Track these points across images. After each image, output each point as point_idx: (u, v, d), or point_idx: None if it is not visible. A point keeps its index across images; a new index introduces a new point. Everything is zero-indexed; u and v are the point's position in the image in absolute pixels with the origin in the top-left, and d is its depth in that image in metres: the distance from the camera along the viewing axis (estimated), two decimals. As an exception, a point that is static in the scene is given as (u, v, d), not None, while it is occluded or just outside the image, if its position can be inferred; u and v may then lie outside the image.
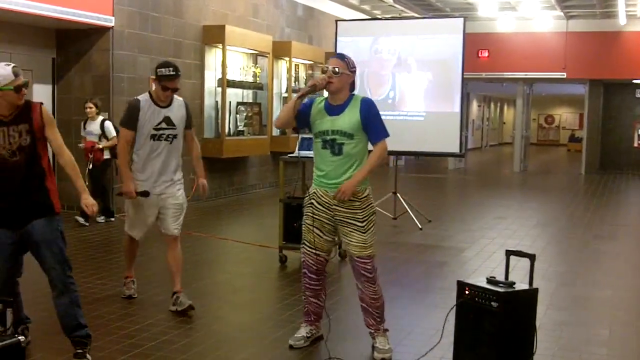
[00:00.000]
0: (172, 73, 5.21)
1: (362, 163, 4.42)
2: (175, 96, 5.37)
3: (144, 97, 5.28)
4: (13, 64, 4.17)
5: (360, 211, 4.38)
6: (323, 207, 4.44)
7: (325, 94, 4.53)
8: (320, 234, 4.50)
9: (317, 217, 4.46)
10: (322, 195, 4.45)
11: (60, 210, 4.22)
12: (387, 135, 4.44)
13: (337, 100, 4.43)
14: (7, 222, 4.05)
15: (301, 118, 4.48)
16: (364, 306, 4.53)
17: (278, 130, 13.76)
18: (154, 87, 5.34)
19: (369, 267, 4.40)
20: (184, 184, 5.54)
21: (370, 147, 4.52)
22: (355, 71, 4.49)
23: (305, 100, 4.49)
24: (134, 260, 5.78)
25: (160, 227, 5.45)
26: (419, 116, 10.21)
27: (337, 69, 4.36)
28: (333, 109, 4.42)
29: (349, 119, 4.37)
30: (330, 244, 4.58)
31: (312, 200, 4.50)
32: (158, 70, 5.21)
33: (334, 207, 4.41)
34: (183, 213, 5.51)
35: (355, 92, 4.57)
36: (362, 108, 4.38)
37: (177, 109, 5.32)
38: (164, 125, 5.24)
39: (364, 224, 4.39)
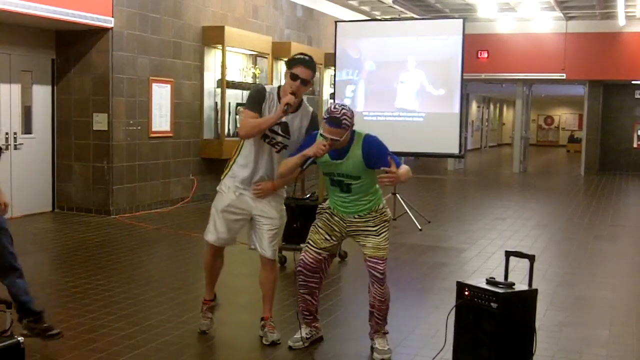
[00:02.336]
0: (305, 58, 4.47)
1: (370, 193, 4.40)
2: (305, 103, 4.66)
3: (270, 87, 4.64)
4: None
5: (372, 219, 4.44)
6: (338, 217, 4.51)
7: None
8: (328, 238, 4.52)
9: (330, 223, 4.52)
10: (336, 214, 4.51)
11: None
12: (401, 162, 4.31)
13: (340, 145, 4.27)
14: None
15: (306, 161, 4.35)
16: (369, 307, 4.54)
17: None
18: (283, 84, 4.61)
19: (380, 267, 4.41)
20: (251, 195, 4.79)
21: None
22: (353, 122, 4.21)
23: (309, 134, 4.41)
24: (215, 280, 5.03)
25: (254, 243, 4.83)
26: (418, 117, 10.21)
27: (338, 139, 4.16)
28: (336, 153, 4.31)
29: (353, 162, 4.30)
30: (335, 247, 4.58)
31: (327, 212, 4.55)
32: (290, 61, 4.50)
33: (347, 221, 4.47)
34: (278, 232, 4.76)
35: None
36: (364, 149, 4.28)
37: (300, 118, 4.57)
38: (279, 130, 4.52)
39: (376, 228, 4.43)
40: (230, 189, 4.80)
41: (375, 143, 4.32)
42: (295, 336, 4.65)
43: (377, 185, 4.49)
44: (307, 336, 4.66)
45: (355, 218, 4.45)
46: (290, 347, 4.59)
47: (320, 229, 4.54)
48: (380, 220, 4.45)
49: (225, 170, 4.83)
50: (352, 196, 4.41)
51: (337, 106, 4.21)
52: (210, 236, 4.85)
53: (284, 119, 4.47)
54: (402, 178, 4.21)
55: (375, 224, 4.43)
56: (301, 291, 4.61)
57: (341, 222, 4.50)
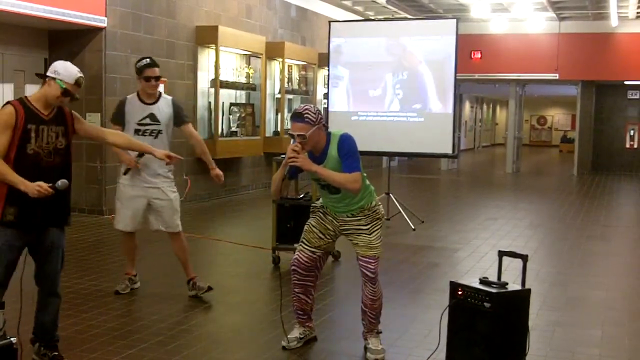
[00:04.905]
0: (149, 62, 5.60)
1: (362, 191, 4.38)
2: (164, 94, 5.71)
3: (131, 95, 5.71)
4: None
5: (364, 218, 4.45)
6: (330, 216, 4.52)
7: None
8: (322, 236, 4.53)
9: (323, 222, 4.53)
10: (329, 213, 4.53)
11: None
12: (358, 169, 4.29)
13: (317, 150, 4.33)
14: (26, 224, 3.95)
15: (293, 173, 4.42)
16: (362, 306, 4.54)
17: (271, 131, 13.78)
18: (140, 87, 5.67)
19: (372, 267, 4.42)
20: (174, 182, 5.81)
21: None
22: (320, 117, 4.29)
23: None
24: (134, 258, 5.97)
25: (158, 224, 5.71)
26: (411, 117, 10.22)
27: (303, 135, 4.21)
28: (316, 159, 4.33)
29: (332, 164, 4.31)
30: (329, 245, 4.58)
31: (320, 211, 4.57)
32: (137, 64, 5.63)
33: (340, 220, 4.49)
34: (176, 208, 5.73)
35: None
36: (339, 145, 4.30)
37: (163, 106, 5.62)
38: (148, 120, 5.53)
39: (368, 227, 4.44)
40: (125, 182, 5.66)
41: (346, 142, 4.31)
42: (288, 336, 4.66)
43: (368, 182, 4.48)
44: (301, 336, 4.66)
45: (347, 217, 4.46)
46: (284, 347, 4.59)
47: (313, 228, 4.54)
48: (372, 218, 4.45)
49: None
50: (342, 197, 4.41)
51: (301, 105, 4.55)
52: (120, 225, 5.76)
53: (149, 110, 5.52)
54: (323, 173, 4.25)
55: (367, 222, 4.44)
56: (296, 290, 4.61)
57: (334, 221, 4.51)
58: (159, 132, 5.57)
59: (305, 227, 4.59)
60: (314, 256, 4.55)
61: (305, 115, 4.23)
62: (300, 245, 4.58)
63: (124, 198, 5.68)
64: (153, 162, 5.45)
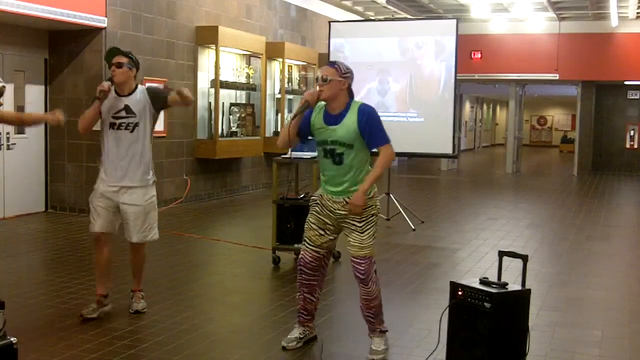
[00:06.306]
0: (111, 49, 5.33)
1: (362, 171, 4.39)
2: (140, 85, 5.31)
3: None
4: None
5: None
6: (327, 209, 4.47)
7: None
8: (323, 233, 4.50)
9: (321, 216, 4.50)
10: (327, 200, 4.47)
11: None
12: (387, 141, 4.37)
13: (335, 108, 4.37)
14: None
15: (303, 131, 4.47)
16: (360, 306, 4.54)
17: (271, 131, 13.78)
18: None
19: (362, 267, 4.39)
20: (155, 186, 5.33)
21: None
22: (348, 76, 4.39)
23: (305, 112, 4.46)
24: (106, 273, 5.32)
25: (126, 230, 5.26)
26: (411, 117, 10.22)
27: (326, 77, 4.31)
28: (331, 119, 4.37)
29: (347, 128, 4.32)
30: (332, 242, 4.56)
31: (318, 202, 4.53)
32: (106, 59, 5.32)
33: (336, 210, 4.43)
34: (147, 216, 5.22)
35: (356, 98, 4.52)
36: (360, 116, 4.32)
37: (138, 97, 5.19)
38: (123, 113, 5.13)
39: (362, 224, 4.38)
40: (100, 182, 5.23)
41: (372, 114, 4.37)
42: (288, 336, 4.66)
43: (370, 167, 4.47)
44: (301, 336, 4.66)
45: (343, 206, 4.39)
46: (283, 348, 4.59)
47: (312, 225, 4.53)
48: (367, 213, 4.38)
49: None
50: (343, 168, 4.37)
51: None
52: (91, 227, 5.24)
53: (125, 102, 5.13)
54: (369, 181, 4.33)
55: (361, 219, 4.37)
56: (303, 289, 4.61)
57: (331, 215, 4.46)
58: (135, 125, 5.13)
59: (305, 224, 4.58)
60: (318, 255, 4.54)
61: (337, 63, 4.41)
62: (304, 244, 4.58)
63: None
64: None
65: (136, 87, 5.25)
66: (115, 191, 5.14)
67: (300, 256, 4.61)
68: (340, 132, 4.33)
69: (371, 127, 4.32)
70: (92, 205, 5.21)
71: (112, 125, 5.14)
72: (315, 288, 4.62)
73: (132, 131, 5.13)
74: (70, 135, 9.96)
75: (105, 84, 5.05)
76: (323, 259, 4.57)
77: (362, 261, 4.39)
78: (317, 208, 4.53)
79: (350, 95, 4.43)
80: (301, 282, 4.61)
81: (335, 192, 4.43)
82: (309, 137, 4.59)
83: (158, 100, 5.24)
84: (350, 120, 4.33)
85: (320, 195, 4.53)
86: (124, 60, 5.17)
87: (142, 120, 5.16)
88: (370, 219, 4.41)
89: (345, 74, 4.37)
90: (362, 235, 4.38)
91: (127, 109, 5.14)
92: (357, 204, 4.29)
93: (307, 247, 4.55)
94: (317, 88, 4.33)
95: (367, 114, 4.34)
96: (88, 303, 5.33)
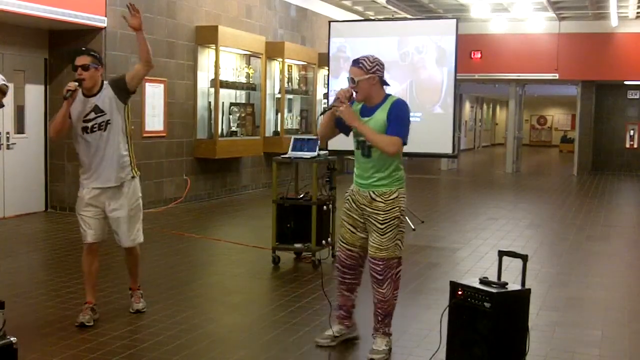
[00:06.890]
0: (77, 50, 5.20)
1: (390, 166, 4.40)
2: (105, 81, 5.10)
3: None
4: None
5: (382, 213, 4.38)
6: (355, 204, 4.50)
7: None
8: (354, 230, 4.53)
9: (351, 213, 4.53)
10: (356, 193, 4.51)
11: None
12: (401, 135, 4.34)
13: (372, 102, 4.44)
14: None
15: (343, 124, 4.47)
16: (374, 301, 4.54)
17: (271, 131, 13.78)
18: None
19: (378, 268, 4.41)
20: (138, 182, 5.31)
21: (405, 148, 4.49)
22: (376, 69, 4.36)
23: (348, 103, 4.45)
24: (96, 281, 5.28)
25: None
26: (411, 117, 10.20)
27: (353, 78, 4.35)
28: (366, 111, 4.44)
29: (376, 122, 4.37)
30: (364, 240, 4.53)
31: (349, 197, 4.56)
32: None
33: (361, 205, 4.45)
34: (134, 220, 5.19)
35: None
36: (390, 109, 4.37)
37: (104, 93, 5.01)
38: (92, 115, 4.97)
39: (383, 226, 4.38)
40: (82, 188, 5.16)
41: (398, 107, 4.39)
42: (325, 333, 4.66)
43: (402, 168, 4.49)
44: (337, 334, 4.64)
45: (369, 202, 4.38)
46: (317, 344, 4.59)
47: (344, 222, 4.57)
48: (389, 216, 4.36)
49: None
50: (371, 161, 4.39)
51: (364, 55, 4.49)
52: (83, 237, 5.15)
53: (93, 102, 4.96)
54: (361, 129, 4.33)
55: (383, 220, 4.36)
56: (341, 287, 4.64)
57: (358, 210, 4.48)
58: (107, 122, 4.96)
59: (340, 221, 4.64)
60: (353, 254, 4.55)
61: (361, 61, 4.38)
62: (338, 242, 4.64)
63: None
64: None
65: (102, 84, 5.07)
66: (98, 194, 5.06)
67: (336, 254, 4.66)
68: (370, 125, 4.38)
69: (396, 118, 4.36)
70: (79, 217, 5.12)
71: (84, 130, 5.00)
72: (353, 286, 4.64)
73: (105, 130, 4.99)
74: (70, 135, 9.93)
75: (72, 84, 4.88)
76: (359, 258, 4.57)
77: (379, 262, 4.40)
78: (347, 205, 4.56)
79: (383, 84, 4.44)
80: (339, 280, 4.64)
81: (363, 184, 4.46)
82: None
83: (120, 89, 5.06)
84: (382, 114, 4.38)
85: (351, 189, 4.57)
86: (88, 60, 4.97)
87: (112, 117, 5.01)
88: (393, 221, 4.39)
89: (372, 69, 4.37)
90: (382, 237, 4.39)
91: (95, 109, 4.98)
92: (344, 110, 4.31)
93: (341, 245, 4.60)
94: (347, 91, 4.37)
95: (397, 107, 4.39)
96: (84, 303, 5.32)
